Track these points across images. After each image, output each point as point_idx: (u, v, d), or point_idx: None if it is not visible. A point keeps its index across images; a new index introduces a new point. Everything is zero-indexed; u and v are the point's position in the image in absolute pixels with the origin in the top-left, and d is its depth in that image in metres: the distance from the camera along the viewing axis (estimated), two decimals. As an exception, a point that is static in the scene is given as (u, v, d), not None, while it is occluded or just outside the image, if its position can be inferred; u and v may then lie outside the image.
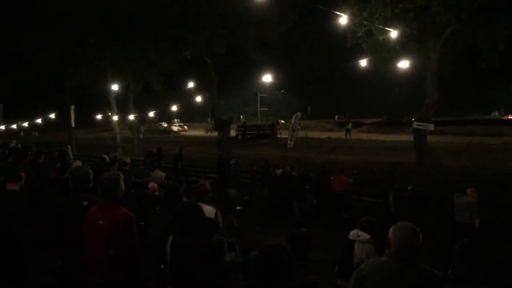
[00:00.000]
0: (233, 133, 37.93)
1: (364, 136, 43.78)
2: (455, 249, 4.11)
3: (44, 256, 4.90)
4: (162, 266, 3.71)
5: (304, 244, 7.86)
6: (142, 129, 45.27)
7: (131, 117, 32.32)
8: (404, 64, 15.58)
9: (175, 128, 65.64)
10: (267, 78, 42.36)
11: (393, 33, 14.09)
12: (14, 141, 20.93)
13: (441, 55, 16.89)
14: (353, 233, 5.84)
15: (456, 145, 28.00)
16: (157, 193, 6.05)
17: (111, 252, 3.64)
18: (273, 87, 59.57)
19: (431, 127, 16.60)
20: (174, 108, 33.69)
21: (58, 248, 4.61)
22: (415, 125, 16.80)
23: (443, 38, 16.20)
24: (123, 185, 3.98)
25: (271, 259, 2.84)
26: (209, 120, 61.69)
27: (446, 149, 26.05)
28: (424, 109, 17.41)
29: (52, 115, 39.20)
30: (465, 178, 15.64)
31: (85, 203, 4.17)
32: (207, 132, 50.60)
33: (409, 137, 28.89)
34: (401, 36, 14.94)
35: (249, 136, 44.77)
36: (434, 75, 17.01)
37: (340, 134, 42.34)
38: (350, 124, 42.24)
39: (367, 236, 5.70)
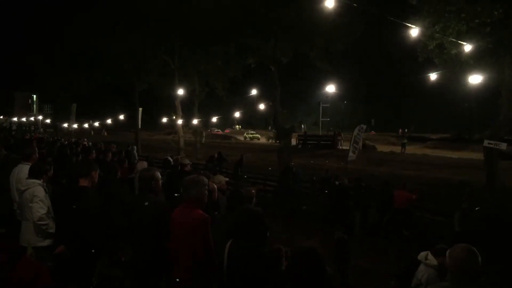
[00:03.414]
0: (293, 142, 37.89)
1: (429, 151, 42.44)
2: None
3: (112, 251, 5.13)
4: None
5: (344, 251, 7.88)
6: (204, 133, 46.23)
7: (195, 121, 33.15)
8: (476, 79, 14.89)
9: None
10: (330, 88, 42.11)
11: (467, 47, 13.54)
12: (85, 139, 22.00)
13: (518, 71, 16.02)
14: (423, 255, 5.71)
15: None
16: (215, 194, 6.06)
17: (188, 252, 3.74)
18: (336, 97, 58.96)
19: (503, 146, 15.69)
20: (236, 114, 34.20)
21: (125, 244, 4.80)
22: (486, 143, 15.97)
23: (520, 53, 15.38)
24: (203, 190, 4.03)
25: (300, 261, 2.87)
26: (270, 127, 62.15)
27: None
28: (496, 127, 16.57)
29: (121, 116, 40.98)
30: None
31: (146, 203, 4.32)
32: (268, 140, 50.95)
33: (477, 155, 27.66)
34: (476, 50, 14.32)
35: (309, 146, 44.57)
36: (509, 91, 16.16)
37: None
38: (405, 139, 43.14)
39: (435, 262, 5.56)
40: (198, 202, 3.96)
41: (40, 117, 71.63)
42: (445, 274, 4.98)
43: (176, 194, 5.71)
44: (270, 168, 22.26)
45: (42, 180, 5.35)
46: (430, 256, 5.62)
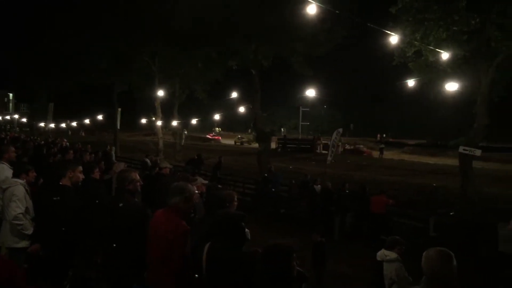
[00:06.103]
0: (273, 145, 37.95)
1: (406, 157, 43.06)
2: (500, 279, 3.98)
3: (88, 252, 5.06)
4: (196, 275, 3.69)
5: (322, 254, 8.17)
6: (184, 135, 45.99)
7: (175, 123, 32.93)
8: (452, 86, 15.16)
9: None
10: (310, 92, 42.21)
11: (444, 55, 13.77)
12: (65, 139, 21.58)
13: (493, 79, 16.34)
14: (380, 254, 5.87)
15: (503, 172, 27.05)
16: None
17: (162, 257, 3.66)
18: (316, 101, 59.26)
19: (478, 152, 16.02)
20: (216, 117, 34.16)
21: (100, 245, 4.74)
22: (461, 149, 16.28)
23: (495, 62, 15.68)
24: (187, 200, 3.87)
25: (271, 257, 2.92)
26: (249, 131, 62.10)
27: (492, 176, 25.18)
28: (472, 134, 16.89)
29: (100, 117, 40.43)
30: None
31: (121, 204, 4.26)
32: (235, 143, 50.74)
33: (453, 161, 28.18)
34: (453, 58, 14.58)
35: (289, 149, 44.76)
36: (484, 99, 16.45)
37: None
38: (383, 144, 45.10)
39: (394, 255, 5.69)
40: (179, 211, 3.82)
41: (16, 116, 70.23)
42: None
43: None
44: (254, 176, 22.17)
45: (24, 179, 5.35)
46: (386, 252, 5.75)
